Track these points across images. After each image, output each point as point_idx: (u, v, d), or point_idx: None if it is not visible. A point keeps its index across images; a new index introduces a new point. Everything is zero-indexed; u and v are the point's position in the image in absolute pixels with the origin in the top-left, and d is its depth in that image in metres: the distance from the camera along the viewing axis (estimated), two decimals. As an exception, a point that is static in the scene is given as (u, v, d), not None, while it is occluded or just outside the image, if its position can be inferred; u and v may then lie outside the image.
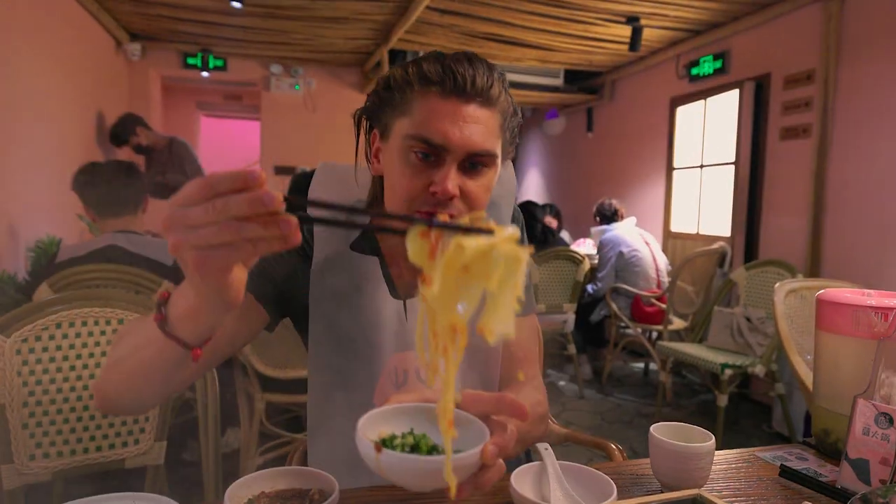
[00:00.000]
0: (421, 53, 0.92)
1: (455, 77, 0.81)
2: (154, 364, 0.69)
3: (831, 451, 1.01)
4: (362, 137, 0.95)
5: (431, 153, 0.82)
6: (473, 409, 0.62)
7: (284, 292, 0.95)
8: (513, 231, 0.49)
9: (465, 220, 0.52)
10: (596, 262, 4.48)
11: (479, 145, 0.83)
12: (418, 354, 0.53)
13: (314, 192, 0.97)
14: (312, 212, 0.56)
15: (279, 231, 0.48)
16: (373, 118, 0.91)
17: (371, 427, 0.65)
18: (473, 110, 0.83)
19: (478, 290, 0.49)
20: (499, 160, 0.88)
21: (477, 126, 0.82)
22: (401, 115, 0.85)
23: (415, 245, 0.50)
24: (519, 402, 0.62)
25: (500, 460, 0.61)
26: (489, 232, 0.49)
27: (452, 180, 0.81)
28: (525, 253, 0.49)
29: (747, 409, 3.94)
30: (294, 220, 0.48)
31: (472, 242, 0.48)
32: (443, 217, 0.78)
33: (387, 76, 0.89)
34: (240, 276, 0.56)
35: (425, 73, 0.83)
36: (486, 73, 0.84)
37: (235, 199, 0.47)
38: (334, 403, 0.96)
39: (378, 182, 0.95)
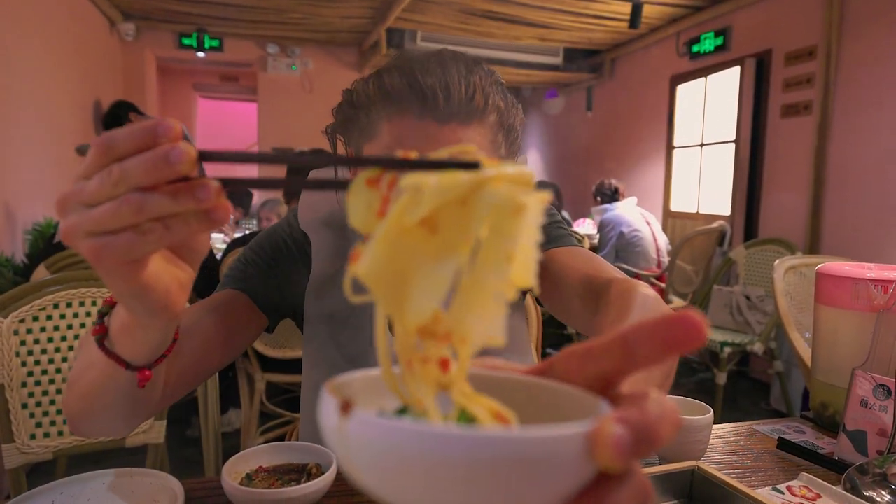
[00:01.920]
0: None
1: (424, 93, 0.66)
2: (103, 388, 0.55)
3: (829, 424, 1.02)
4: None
5: None
6: (580, 375, 0.30)
7: (286, 296, 0.87)
8: (516, 167, 0.29)
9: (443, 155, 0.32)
10: (596, 241, 4.47)
11: None
12: (388, 385, 0.30)
13: (305, 202, 0.89)
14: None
15: (195, 202, 0.35)
16: (345, 136, 0.78)
17: (365, 395, 0.31)
18: (452, 132, 0.67)
19: (448, 265, 0.28)
20: None
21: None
22: (368, 141, 0.72)
23: (358, 200, 0.30)
24: (686, 317, 0.26)
25: (640, 469, 0.26)
26: (472, 165, 0.29)
27: None
28: (535, 200, 0.27)
29: (746, 386, 3.96)
30: (214, 184, 0.35)
31: (437, 181, 0.27)
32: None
33: (349, 91, 0.76)
34: (166, 272, 0.42)
35: (388, 91, 0.68)
36: (464, 79, 0.67)
37: (132, 161, 0.34)
38: None
39: None
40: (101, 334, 0.51)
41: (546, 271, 0.82)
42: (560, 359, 0.31)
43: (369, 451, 0.24)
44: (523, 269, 0.28)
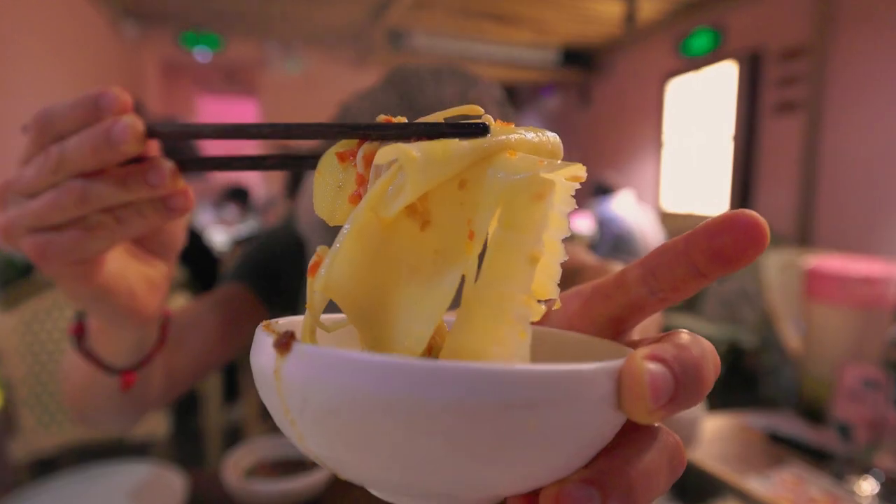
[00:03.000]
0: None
1: (418, 109, 0.63)
2: (90, 390, 0.50)
3: (818, 416, 1.04)
4: None
5: None
6: (585, 319, 0.24)
7: (288, 292, 0.86)
8: (539, 133, 0.22)
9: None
10: (593, 239, 4.49)
11: None
12: None
13: (304, 201, 0.85)
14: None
15: (147, 188, 0.30)
16: None
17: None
18: None
19: (447, 274, 0.21)
20: None
21: None
22: None
23: (325, 182, 0.23)
24: (739, 216, 0.19)
25: (668, 431, 0.21)
26: (479, 131, 0.21)
27: None
28: (563, 178, 0.22)
29: (738, 379, 3.98)
30: (168, 166, 0.30)
31: (426, 151, 0.20)
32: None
33: (344, 107, 0.73)
34: (130, 270, 0.37)
35: (382, 106, 0.65)
36: (461, 95, 0.64)
37: (72, 142, 0.29)
38: None
39: None
40: (79, 335, 0.45)
41: None
42: (560, 301, 0.24)
43: (317, 398, 0.17)
44: (544, 276, 0.22)
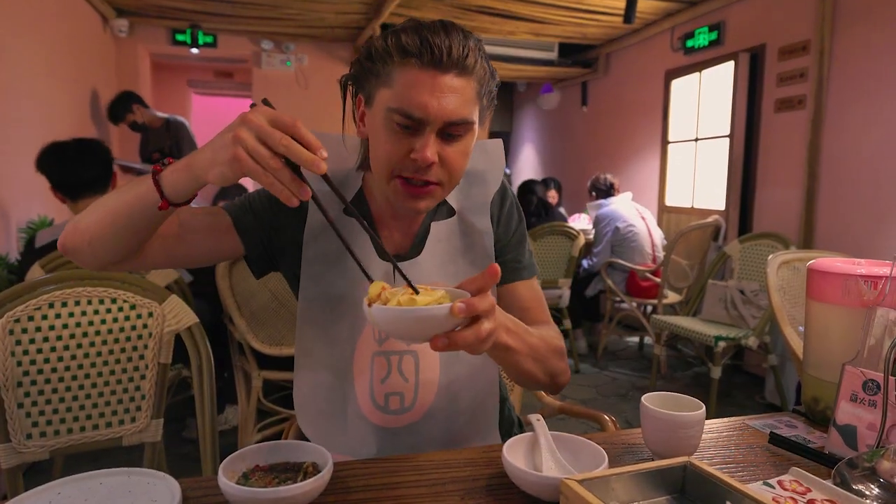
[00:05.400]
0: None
1: (432, 49, 0.84)
2: (132, 207, 0.82)
3: (820, 419, 1.03)
4: (349, 101, 0.98)
5: (412, 124, 0.86)
6: (470, 289, 0.72)
7: (271, 239, 1.03)
8: (441, 294, 0.71)
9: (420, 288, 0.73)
10: (591, 237, 4.48)
11: (456, 114, 0.86)
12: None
13: None
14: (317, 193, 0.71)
15: (296, 189, 0.67)
16: (357, 85, 0.95)
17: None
18: (450, 80, 0.86)
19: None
20: (476, 126, 0.92)
21: (454, 96, 0.86)
22: (382, 86, 0.89)
23: (374, 287, 0.73)
24: (491, 266, 0.71)
25: (481, 327, 0.70)
26: (422, 293, 0.72)
27: (431, 148, 0.85)
28: (453, 300, 0.70)
29: (740, 380, 3.98)
30: (309, 191, 0.68)
31: (423, 298, 0.70)
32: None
33: (368, 46, 0.92)
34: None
35: (404, 45, 0.86)
36: (462, 42, 0.86)
37: (300, 148, 0.66)
38: (317, 357, 1.02)
39: (366, 144, 0.99)
40: (158, 171, 0.78)
41: (511, 298, 1.06)
42: (464, 282, 0.73)
43: (376, 317, 0.70)
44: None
